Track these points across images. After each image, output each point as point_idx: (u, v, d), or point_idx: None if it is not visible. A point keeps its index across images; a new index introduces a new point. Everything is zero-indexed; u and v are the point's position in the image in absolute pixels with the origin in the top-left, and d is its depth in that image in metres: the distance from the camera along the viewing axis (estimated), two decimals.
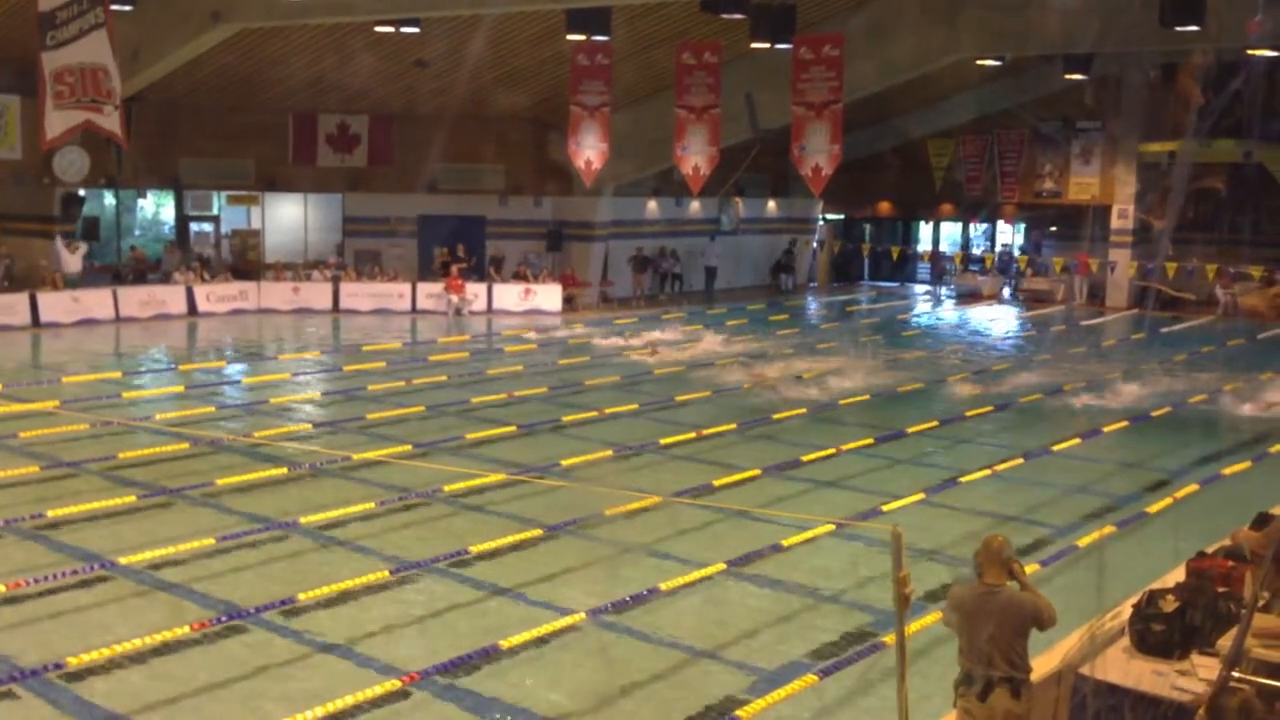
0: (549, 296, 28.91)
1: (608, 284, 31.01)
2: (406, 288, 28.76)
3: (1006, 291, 34.71)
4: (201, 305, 27.01)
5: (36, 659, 7.94)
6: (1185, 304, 30.82)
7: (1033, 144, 33.17)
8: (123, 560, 9.86)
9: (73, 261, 25.83)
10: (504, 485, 12.49)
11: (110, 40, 20.42)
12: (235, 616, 8.79)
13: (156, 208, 31.13)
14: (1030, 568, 9.89)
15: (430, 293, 28.60)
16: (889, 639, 7.88)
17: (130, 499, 11.80)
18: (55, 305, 24.90)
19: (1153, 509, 12.15)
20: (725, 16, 20.96)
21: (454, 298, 28.23)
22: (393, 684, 7.64)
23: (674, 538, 11.12)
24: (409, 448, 14.17)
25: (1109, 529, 11.40)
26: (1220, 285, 30.28)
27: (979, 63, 26.63)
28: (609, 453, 14.17)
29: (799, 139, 22.06)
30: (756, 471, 13.34)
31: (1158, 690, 6.23)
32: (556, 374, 20.06)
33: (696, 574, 9.91)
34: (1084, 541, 10.95)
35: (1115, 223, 31.99)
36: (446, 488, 12.32)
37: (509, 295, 28.94)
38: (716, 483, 12.88)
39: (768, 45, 21.75)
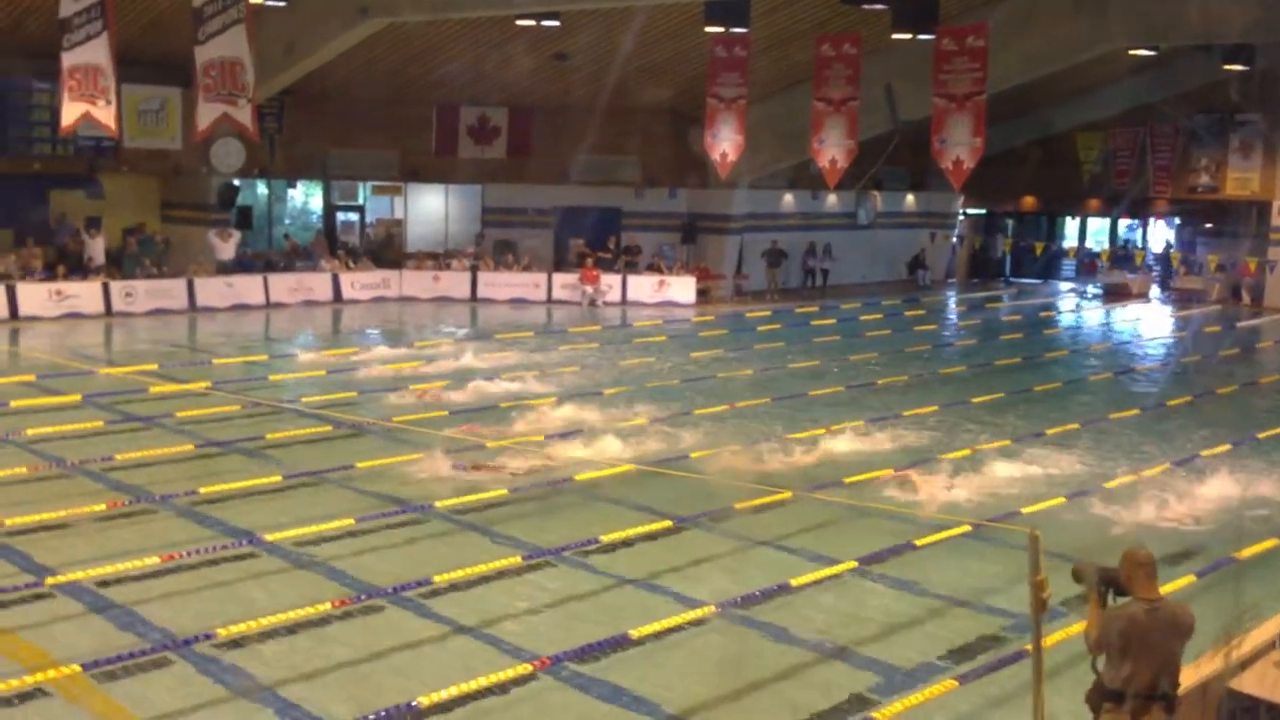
0: (683, 289, 28.97)
1: (742, 277, 30.92)
2: (542, 278, 29.17)
3: (1156, 290, 33.49)
4: (346, 292, 27.90)
5: (190, 628, 8.32)
6: None
7: (1187, 137, 31.89)
8: (269, 537, 10.25)
9: (225, 249, 26.93)
10: (633, 476, 12.57)
11: (249, 36, 21.26)
12: (373, 595, 9.05)
13: (305, 197, 32.20)
14: (1186, 579, 9.59)
15: (565, 283, 28.94)
16: (1026, 645, 7.68)
17: (276, 478, 12.25)
18: (211, 290, 26.03)
19: None
20: (866, 7, 20.68)
21: (588, 288, 28.50)
22: (524, 668, 7.77)
23: (803, 533, 11.05)
24: (540, 437, 14.36)
25: (1271, 542, 10.89)
26: None
27: (1130, 53, 25.72)
28: (738, 446, 14.15)
29: (939, 131, 21.62)
30: (889, 471, 13.14)
31: None
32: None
33: (827, 570, 9.84)
34: (1245, 554, 10.49)
35: (1276, 219, 30.56)
36: (577, 476, 12.46)
37: (643, 287, 29.10)
38: (847, 480, 12.74)
39: (909, 36, 21.35)
